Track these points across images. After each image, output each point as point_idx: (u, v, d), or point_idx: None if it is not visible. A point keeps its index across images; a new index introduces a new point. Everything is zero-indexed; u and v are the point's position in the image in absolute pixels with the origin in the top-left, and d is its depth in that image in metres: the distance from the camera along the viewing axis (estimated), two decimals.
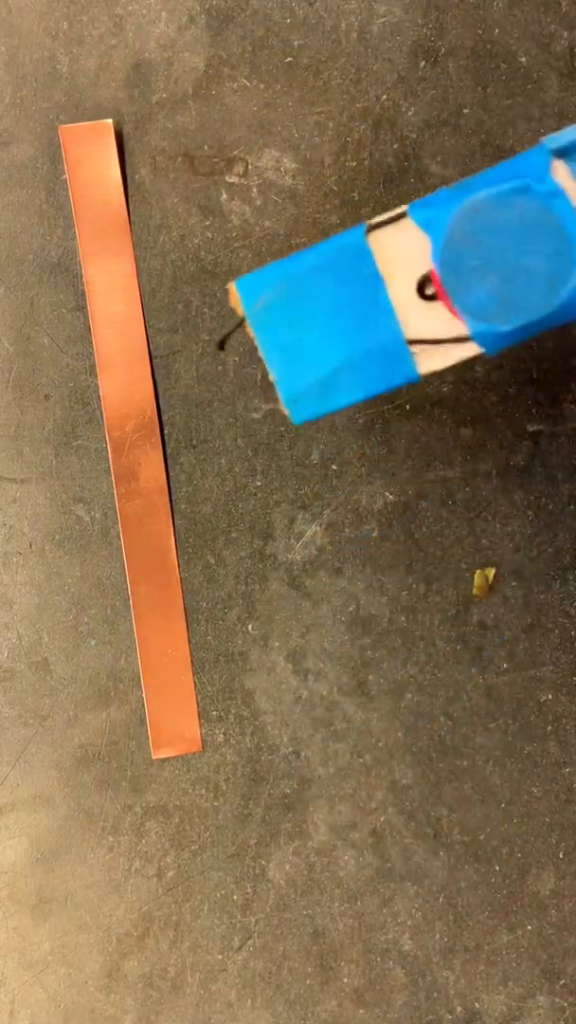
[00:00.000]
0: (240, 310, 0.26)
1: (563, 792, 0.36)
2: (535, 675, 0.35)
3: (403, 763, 0.36)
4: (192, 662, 0.36)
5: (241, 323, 0.27)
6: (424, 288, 0.25)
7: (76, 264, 0.35)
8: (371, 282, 0.25)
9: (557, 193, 0.23)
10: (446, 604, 0.35)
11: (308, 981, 0.36)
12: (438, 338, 0.25)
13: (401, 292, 0.25)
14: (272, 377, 0.26)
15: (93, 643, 0.36)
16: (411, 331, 0.25)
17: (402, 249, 0.25)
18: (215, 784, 0.36)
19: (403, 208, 0.25)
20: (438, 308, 0.25)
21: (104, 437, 0.36)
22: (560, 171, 0.24)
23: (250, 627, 0.36)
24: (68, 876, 0.36)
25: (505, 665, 0.35)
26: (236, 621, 0.36)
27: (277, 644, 0.36)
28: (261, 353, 0.26)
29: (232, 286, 0.26)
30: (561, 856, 0.35)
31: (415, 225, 0.25)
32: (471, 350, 0.25)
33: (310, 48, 0.34)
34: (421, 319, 0.25)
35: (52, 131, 0.35)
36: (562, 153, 0.24)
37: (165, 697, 0.36)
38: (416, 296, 0.25)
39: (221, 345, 0.30)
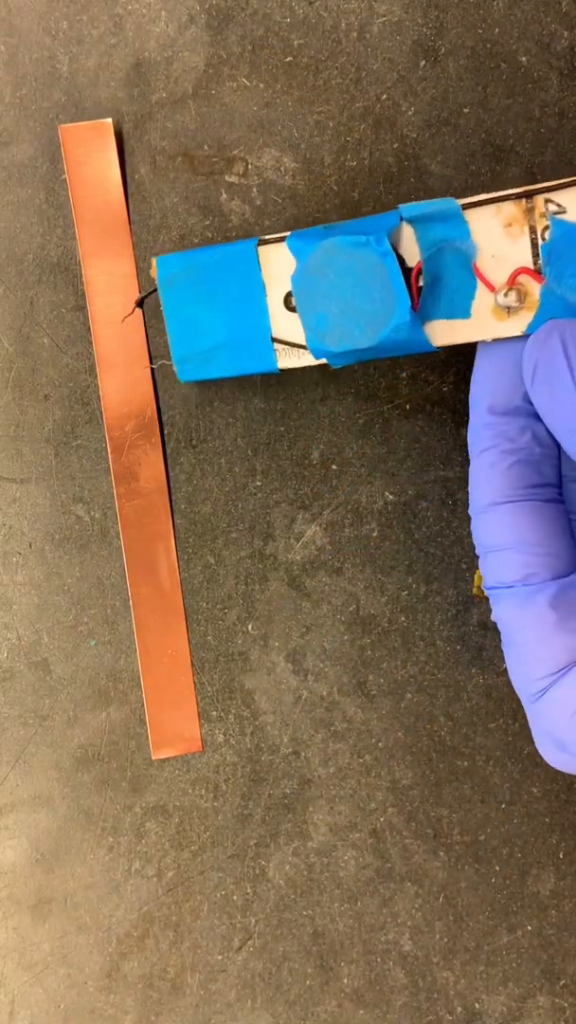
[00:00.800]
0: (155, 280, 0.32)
1: (563, 792, 0.36)
2: None
3: (403, 763, 0.36)
4: (192, 662, 0.36)
5: (154, 290, 0.32)
6: (288, 301, 0.31)
7: (76, 264, 0.35)
8: (255, 285, 0.31)
9: (388, 254, 0.28)
10: (446, 604, 0.35)
11: (308, 981, 0.36)
12: (294, 342, 0.31)
13: (275, 299, 0.31)
14: (168, 338, 0.32)
15: (93, 643, 0.36)
16: (277, 331, 0.31)
17: (279, 266, 0.31)
18: (215, 784, 0.36)
19: (287, 234, 0.30)
20: (296, 319, 0.31)
21: (104, 437, 0.36)
22: (406, 234, 0.29)
23: (250, 627, 0.36)
24: (68, 876, 0.36)
25: (505, 665, 0.35)
26: (236, 621, 0.36)
27: (277, 644, 0.36)
28: (164, 316, 0.32)
29: (153, 260, 0.32)
30: (561, 856, 0.35)
31: (288, 251, 0.30)
32: (313, 359, 0.31)
33: (310, 48, 0.34)
34: (285, 324, 0.31)
35: (52, 131, 0.35)
36: (412, 220, 0.29)
37: (165, 697, 0.36)
38: (283, 305, 0.31)
39: (139, 303, 0.34)
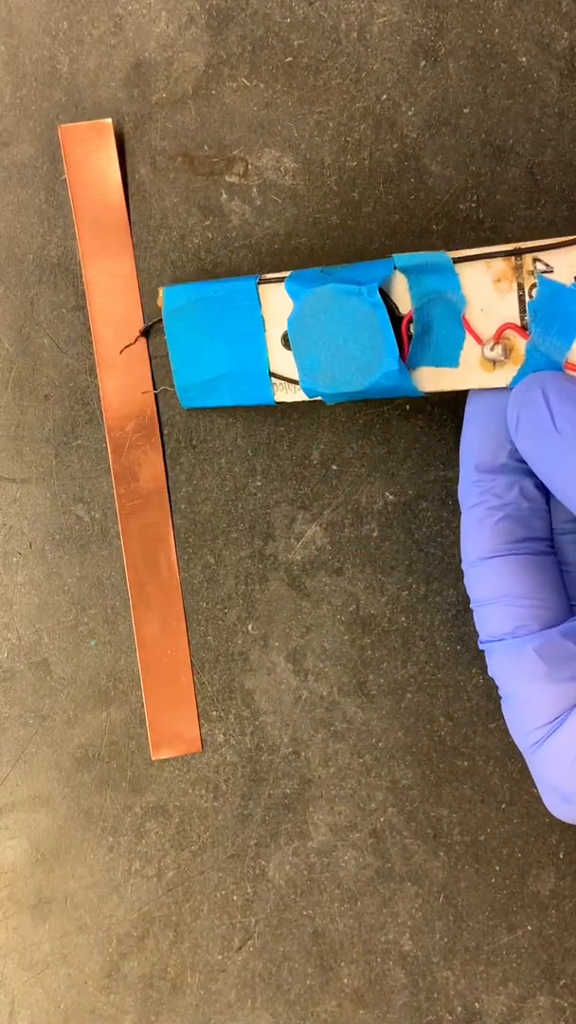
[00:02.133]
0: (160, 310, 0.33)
1: None
2: None
3: (403, 763, 0.36)
4: (192, 662, 0.36)
5: (159, 321, 0.34)
6: (285, 339, 0.32)
7: (76, 264, 0.35)
8: (255, 321, 0.32)
9: (379, 305, 0.29)
10: (446, 604, 0.35)
11: (308, 981, 0.36)
12: (291, 378, 0.32)
13: (273, 336, 0.32)
14: (172, 367, 0.34)
15: (93, 643, 0.36)
16: (274, 367, 0.33)
17: (277, 305, 0.32)
18: (215, 784, 0.36)
19: (286, 275, 0.31)
20: (292, 357, 0.32)
21: (104, 437, 0.36)
22: (399, 282, 0.30)
23: (250, 627, 0.36)
24: (68, 876, 0.36)
25: None
26: (236, 621, 0.36)
27: (277, 644, 0.36)
28: (168, 346, 0.34)
29: (160, 291, 0.33)
30: (561, 856, 0.35)
31: (285, 291, 0.31)
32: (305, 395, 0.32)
33: (310, 48, 0.34)
34: (282, 360, 0.32)
35: (52, 131, 0.35)
36: (405, 270, 0.30)
37: (165, 697, 0.36)
38: (281, 343, 0.32)
39: (144, 333, 0.35)
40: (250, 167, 0.35)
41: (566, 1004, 0.35)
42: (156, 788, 0.36)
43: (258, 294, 0.32)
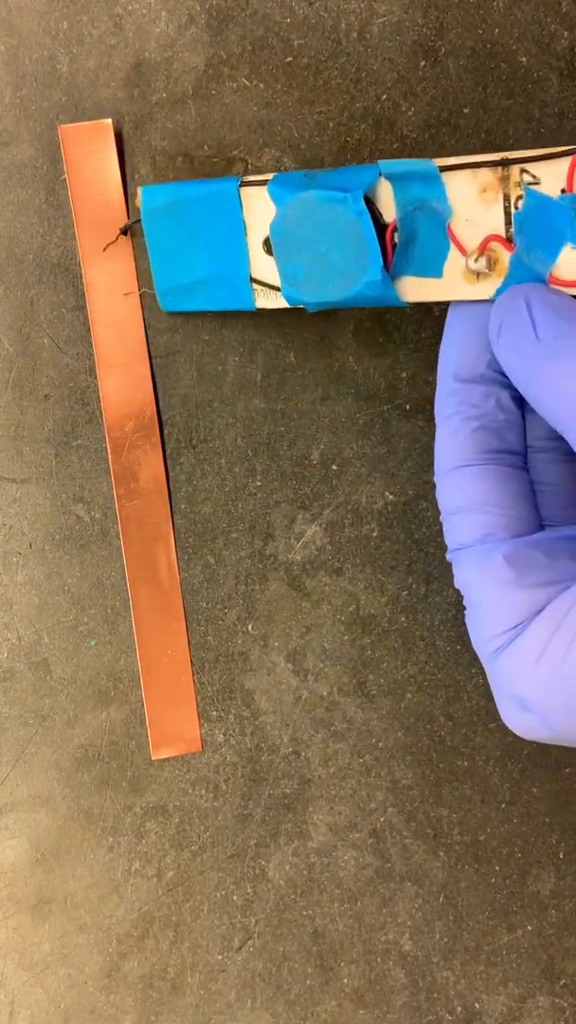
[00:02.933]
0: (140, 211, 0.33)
1: (563, 792, 0.36)
2: None
3: (403, 763, 0.36)
4: (192, 662, 0.36)
5: (139, 220, 0.33)
6: (267, 244, 0.31)
7: (76, 264, 0.35)
8: (237, 224, 0.31)
9: (363, 213, 0.29)
10: (446, 604, 0.35)
11: (308, 981, 0.36)
12: (272, 284, 0.32)
13: (255, 240, 0.31)
14: (152, 269, 0.33)
15: (93, 643, 0.36)
16: (256, 272, 0.32)
17: (260, 209, 0.31)
18: (215, 784, 0.36)
19: (270, 176, 0.30)
20: (274, 262, 0.31)
21: (104, 437, 0.36)
22: (384, 190, 0.29)
23: (250, 627, 0.36)
24: (68, 876, 0.36)
25: None
26: (236, 621, 0.36)
27: (277, 644, 0.36)
28: (148, 248, 0.33)
29: (139, 189, 0.32)
30: (561, 856, 0.35)
31: (268, 195, 0.30)
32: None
33: (310, 48, 0.34)
34: (264, 265, 0.32)
35: (52, 131, 0.35)
36: (390, 178, 0.29)
37: (165, 697, 0.36)
38: (262, 248, 0.31)
39: (124, 231, 0.34)
40: (250, 167, 0.35)
41: (566, 1004, 0.35)
42: (156, 788, 0.36)
43: (240, 196, 0.31)
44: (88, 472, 0.36)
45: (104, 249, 0.35)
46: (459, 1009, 0.35)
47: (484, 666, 0.30)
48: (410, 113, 0.34)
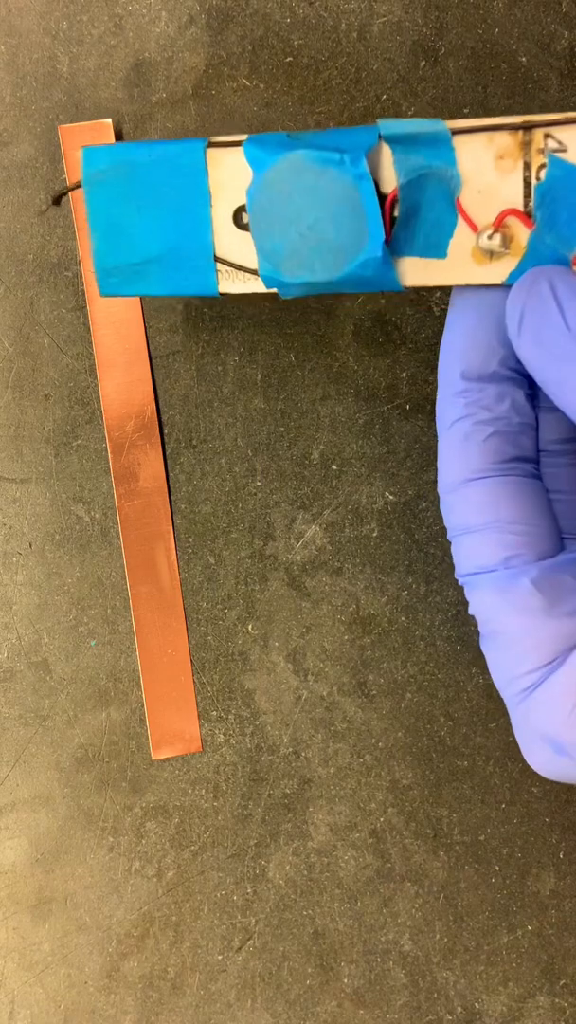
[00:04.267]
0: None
1: (563, 792, 0.36)
2: None
3: (403, 763, 0.36)
4: (192, 662, 0.36)
5: (78, 185, 0.28)
6: (239, 217, 0.27)
7: (76, 264, 0.35)
8: (199, 194, 0.27)
9: (365, 177, 0.24)
10: (446, 604, 0.35)
11: (308, 981, 0.36)
12: (241, 265, 0.27)
13: (221, 212, 0.27)
14: (91, 244, 0.28)
15: (93, 643, 0.36)
16: (220, 250, 0.27)
17: (230, 174, 0.26)
18: (215, 784, 0.36)
19: (244, 137, 0.26)
20: (247, 239, 0.27)
21: (104, 437, 0.36)
22: (384, 155, 0.25)
23: (250, 627, 0.36)
24: (68, 876, 0.36)
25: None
26: (236, 621, 0.36)
27: (277, 644, 0.36)
28: (88, 219, 0.28)
29: (82, 149, 0.28)
30: (561, 856, 0.35)
31: (244, 159, 0.26)
32: (262, 286, 0.27)
33: (310, 48, 0.34)
34: (232, 242, 0.27)
35: (52, 131, 0.35)
36: (392, 140, 0.25)
37: (165, 697, 0.36)
38: (232, 221, 0.27)
39: (56, 201, 0.30)
40: None
41: (566, 1004, 0.35)
42: (156, 788, 0.36)
43: (205, 160, 0.26)
44: (88, 472, 0.36)
45: (41, 215, 0.30)
46: (459, 1009, 0.35)
47: (506, 702, 0.26)
48: (410, 113, 0.34)
